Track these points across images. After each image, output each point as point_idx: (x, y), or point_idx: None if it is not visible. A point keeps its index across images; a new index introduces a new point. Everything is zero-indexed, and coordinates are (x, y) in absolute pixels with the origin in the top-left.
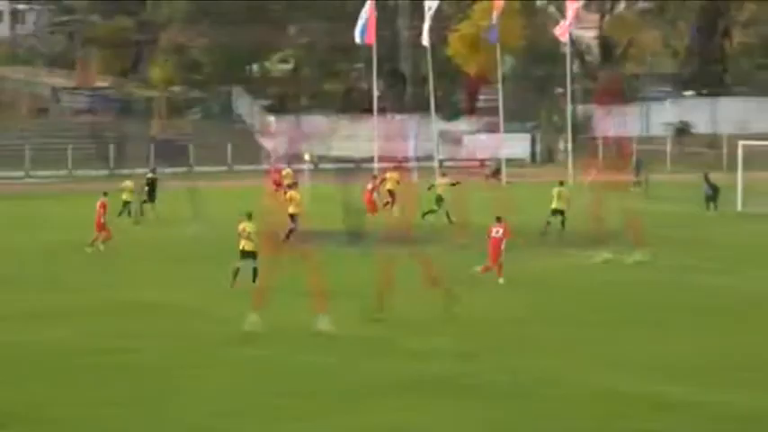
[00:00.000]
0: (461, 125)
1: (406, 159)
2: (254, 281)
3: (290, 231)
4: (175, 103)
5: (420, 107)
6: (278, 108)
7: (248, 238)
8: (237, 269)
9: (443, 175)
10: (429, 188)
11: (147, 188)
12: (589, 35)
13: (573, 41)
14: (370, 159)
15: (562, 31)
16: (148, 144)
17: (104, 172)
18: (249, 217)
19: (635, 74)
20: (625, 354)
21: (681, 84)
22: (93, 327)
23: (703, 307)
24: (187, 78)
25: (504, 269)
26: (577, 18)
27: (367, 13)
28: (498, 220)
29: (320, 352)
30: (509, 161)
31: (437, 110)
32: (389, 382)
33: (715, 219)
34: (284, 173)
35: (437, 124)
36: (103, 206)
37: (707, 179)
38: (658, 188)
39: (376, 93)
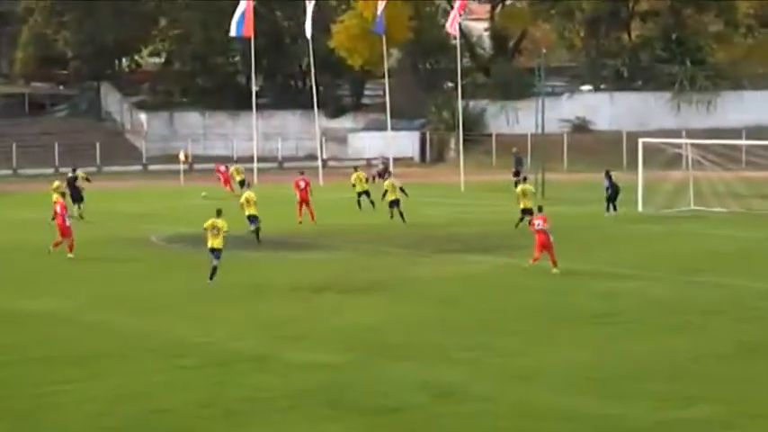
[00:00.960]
0: (346, 122)
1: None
2: (210, 278)
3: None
4: (38, 99)
5: (302, 103)
6: (149, 105)
7: (216, 234)
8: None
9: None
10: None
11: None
12: (480, 27)
13: (463, 33)
14: (250, 158)
15: (450, 23)
16: (11, 144)
17: None
18: (219, 214)
19: (528, 67)
20: (527, 364)
21: (578, 78)
22: None
23: (601, 313)
24: (51, 74)
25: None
26: (467, 9)
27: (245, 3)
28: (540, 210)
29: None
30: (397, 160)
31: (320, 106)
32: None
33: (614, 220)
34: (233, 169)
35: (320, 121)
36: (64, 207)
37: (609, 177)
38: (555, 188)
39: (255, 88)
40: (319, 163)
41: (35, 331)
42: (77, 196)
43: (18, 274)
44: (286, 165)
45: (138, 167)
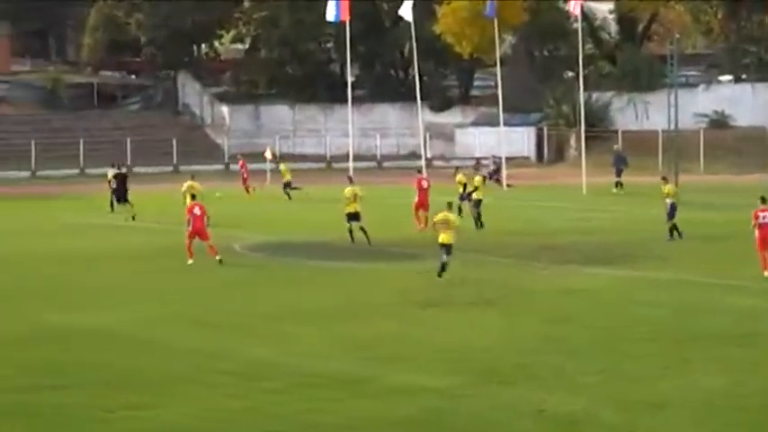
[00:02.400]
0: (453, 117)
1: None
2: (439, 275)
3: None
4: (108, 90)
5: (403, 95)
6: (232, 97)
7: (446, 228)
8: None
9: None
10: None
11: (114, 186)
12: (605, 8)
13: (585, 16)
14: (344, 157)
15: (572, 3)
16: (78, 140)
17: (26, 174)
18: (449, 206)
19: (659, 55)
20: None
21: (715, 67)
22: (22, 358)
23: (740, 333)
24: (122, 62)
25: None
26: None
27: None
28: (763, 201)
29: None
30: (510, 160)
31: (424, 98)
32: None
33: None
34: (283, 168)
35: (424, 115)
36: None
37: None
38: (690, 192)
39: (350, 78)
40: (423, 162)
41: (96, 351)
42: (124, 196)
43: (78, 287)
44: (386, 164)
45: (219, 167)
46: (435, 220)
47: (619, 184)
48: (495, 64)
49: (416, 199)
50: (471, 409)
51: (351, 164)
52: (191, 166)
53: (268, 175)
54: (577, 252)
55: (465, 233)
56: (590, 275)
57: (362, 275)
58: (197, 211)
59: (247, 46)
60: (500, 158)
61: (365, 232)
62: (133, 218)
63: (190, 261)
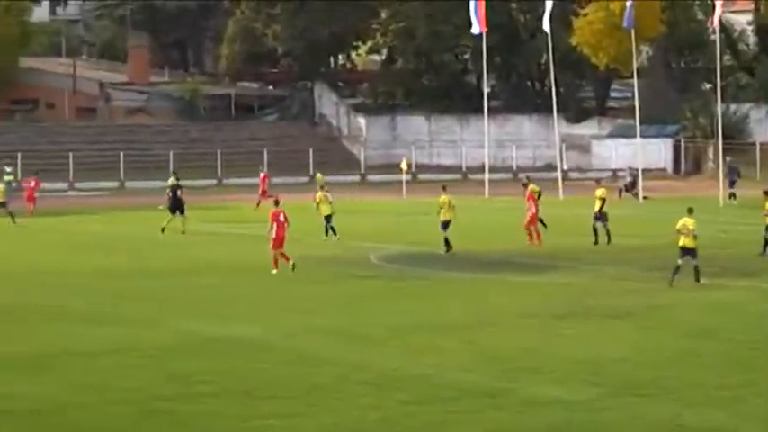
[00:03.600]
0: (589, 128)
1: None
2: (672, 276)
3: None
4: (246, 101)
5: (539, 106)
6: (369, 108)
7: (687, 234)
8: None
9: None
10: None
11: (169, 196)
12: (743, 20)
13: (723, 27)
14: (480, 168)
15: (714, 17)
16: (215, 151)
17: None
18: (690, 212)
19: None
20: None
21: None
22: (166, 367)
23: None
24: (259, 72)
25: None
26: None
27: None
28: None
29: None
30: (647, 172)
31: (560, 110)
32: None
33: None
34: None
35: (560, 127)
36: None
37: None
38: None
39: (486, 89)
40: (559, 174)
41: (236, 360)
42: (178, 207)
43: (221, 297)
44: (521, 176)
45: (356, 178)
46: (677, 227)
47: (732, 196)
48: (632, 75)
49: (532, 212)
50: (607, 421)
51: (486, 175)
52: (327, 176)
53: (404, 187)
54: (716, 264)
55: (602, 246)
56: (730, 288)
57: (498, 286)
58: (282, 218)
59: (384, 57)
60: (636, 170)
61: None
62: (182, 232)
63: (274, 271)
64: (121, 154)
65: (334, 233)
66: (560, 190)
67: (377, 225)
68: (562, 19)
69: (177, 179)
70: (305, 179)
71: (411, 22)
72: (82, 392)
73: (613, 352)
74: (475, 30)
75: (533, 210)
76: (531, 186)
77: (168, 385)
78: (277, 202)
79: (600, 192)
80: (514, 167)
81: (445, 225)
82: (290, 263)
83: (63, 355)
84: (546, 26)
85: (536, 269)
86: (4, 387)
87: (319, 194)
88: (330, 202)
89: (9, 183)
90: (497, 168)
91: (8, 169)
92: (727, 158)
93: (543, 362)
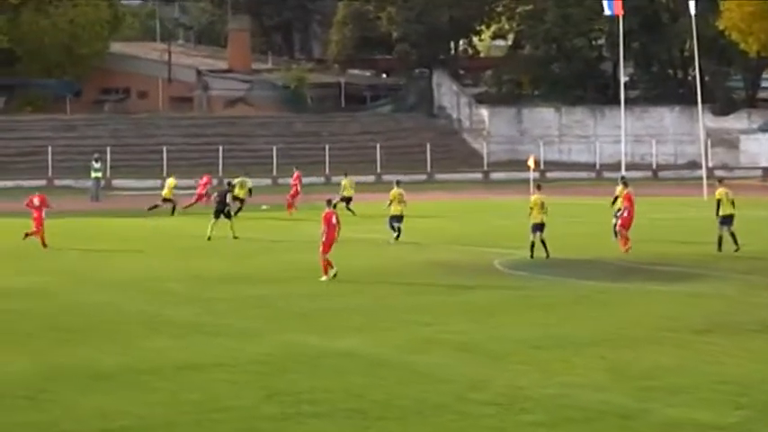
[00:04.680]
0: (738, 122)
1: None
2: None
3: None
4: (357, 91)
5: (682, 97)
6: (493, 98)
7: None
8: None
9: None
10: None
11: (218, 199)
12: None
13: None
14: (616, 166)
15: None
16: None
17: (266, 181)
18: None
19: None
20: None
21: None
22: (275, 383)
23: None
24: (372, 60)
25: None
26: None
27: None
28: None
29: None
30: None
31: (705, 101)
32: None
33: None
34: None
35: (705, 120)
36: None
37: None
38: None
39: (623, 78)
40: (703, 172)
41: (346, 377)
42: (227, 211)
43: (322, 307)
44: (661, 174)
45: (478, 175)
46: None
47: None
48: None
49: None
50: None
51: (623, 173)
52: (446, 173)
53: (531, 185)
54: None
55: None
56: None
57: (630, 297)
58: (334, 220)
59: (510, 43)
60: None
61: (544, 245)
62: (234, 237)
63: (324, 278)
64: (220, 148)
65: (398, 234)
66: (704, 190)
67: (502, 228)
68: (708, 1)
69: (230, 184)
70: (422, 177)
71: (540, 3)
72: (184, 409)
73: (762, 371)
74: (609, 12)
75: (630, 212)
76: (719, 191)
77: (272, 404)
78: (329, 202)
79: (718, 192)
80: (654, 165)
81: (537, 228)
82: (333, 271)
83: (164, 369)
84: (691, 8)
85: (676, 278)
86: (104, 402)
87: (395, 191)
88: (404, 202)
89: (97, 180)
90: (635, 166)
91: (96, 165)
92: None
93: (683, 381)
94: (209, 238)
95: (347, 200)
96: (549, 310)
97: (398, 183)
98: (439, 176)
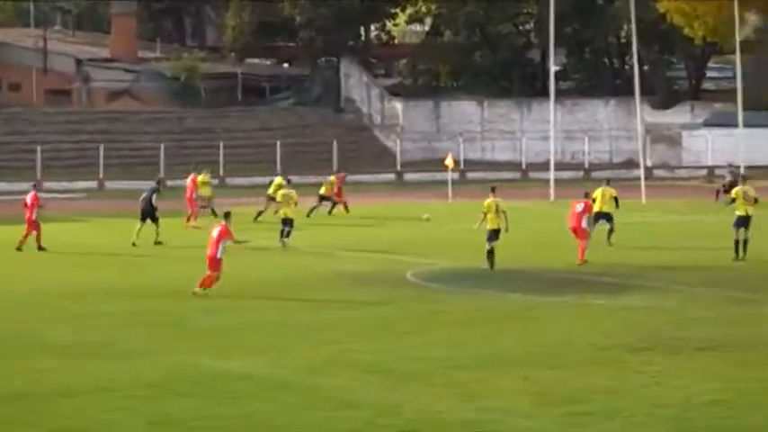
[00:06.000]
0: (680, 116)
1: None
2: None
3: None
4: (255, 82)
5: (618, 89)
6: (407, 90)
7: None
8: None
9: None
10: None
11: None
12: None
13: None
14: (544, 165)
15: None
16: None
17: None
18: None
19: None
20: None
21: None
22: (162, 409)
23: None
24: (272, 48)
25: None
26: None
27: None
28: None
29: None
30: (751, 170)
31: (644, 93)
32: None
33: None
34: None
35: (644, 114)
36: None
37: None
38: None
39: (553, 67)
40: (641, 172)
41: (243, 402)
42: (150, 214)
43: (221, 324)
44: (595, 174)
45: (390, 176)
46: None
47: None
48: (735, 51)
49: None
50: None
51: (552, 173)
52: (355, 174)
53: (449, 188)
54: None
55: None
56: None
57: (560, 312)
58: (215, 234)
59: (427, 28)
60: (738, 168)
61: (493, 255)
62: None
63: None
64: (101, 147)
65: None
66: (643, 191)
67: (415, 235)
68: None
69: (159, 182)
70: (328, 178)
71: None
72: None
73: (705, 393)
74: None
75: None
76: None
77: None
78: (227, 216)
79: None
80: (587, 164)
81: (492, 235)
82: (204, 289)
83: (35, 396)
84: None
85: (613, 290)
86: None
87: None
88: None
89: None
90: (565, 165)
91: None
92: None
93: (617, 405)
94: (133, 244)
95: (324, 199)
96: (468, 327)
97: (289, 182)
98: (347, 177)
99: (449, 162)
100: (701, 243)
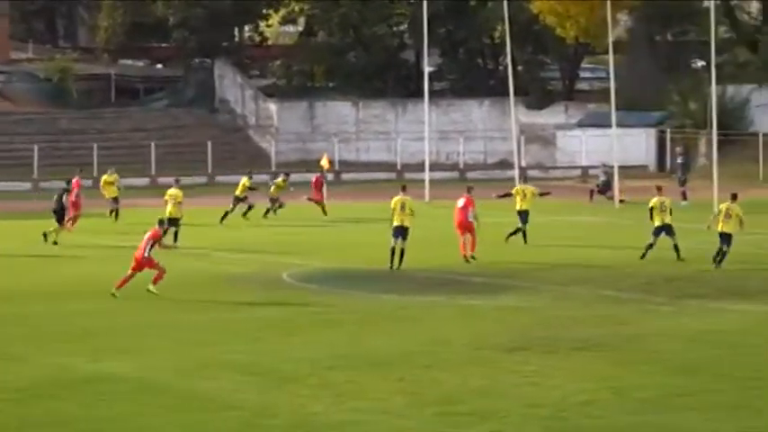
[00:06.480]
0: (554, 116)
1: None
2: None
3: None
4: (129, 83)
5: (493, 89)
6: (282, 91)
7: None
8: None
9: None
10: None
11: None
12: None
13: None
14: (419, 166)
15: None
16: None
17: (26, 185)
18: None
19: None
20: None
21: None
22: (32, 412)
23: None
24: (146, 48)
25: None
26: None
27: None
28: None
29: None
30: (625, 169)
31: (518, 93)
32: None
33: None
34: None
35: (518, 114)
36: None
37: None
38: None
39: (427, 68)
40: (516, 172)
41: (114, 404)
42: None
43: (97, 326)
44: (470, 174)
45: (265, 177)
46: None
47: (684, 196)
48: (608, 51)
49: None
50: None
51: (426, 174)
52: (230, 175)
53: (324, 188)
54: (707, 284)
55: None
56: (724, 313)
57: (435, 312)
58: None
59: (301, 29)
60: (612, 168)
61: (402, 256)
62: (54, 242)
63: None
64: None
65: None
66: None
67: (291, 236)
68: None
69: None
70: (202, 179)
71: None
72: None
73: (580, 393)
74: None
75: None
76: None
77: None
78: (161, 222)
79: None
80: (461, 164)
81: (396, 232)
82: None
83: None
84: None
85: (486, 290)
86: None
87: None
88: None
89: None
90: (440, 166)
91: None
92: (678, 149)
93: (491, 405)
94: (54, 243)
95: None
96: (344, 328)
97: (177, 181)
98: (221, 179)
99: (324, 163)
100: (574, 242)
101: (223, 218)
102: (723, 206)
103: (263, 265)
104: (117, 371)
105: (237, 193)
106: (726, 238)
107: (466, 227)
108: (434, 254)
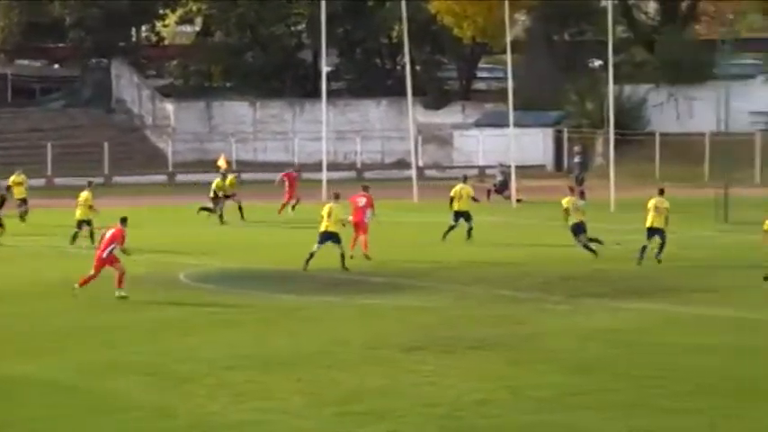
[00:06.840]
0: (451, 116)
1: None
2: None
3: None
4: (25, 83)
5: (390, 89)
6: (179, 91)
7: None
8: None
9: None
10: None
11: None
12: None
13: None
14: (316, 166)
15: None
16: None
17: None
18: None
19: (708, 40)
20: None
21: None
22: None
23: None
24: (42, 48)
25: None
26: None
27: None
28: None
29: None
30: (522, 169)
31: (415, 93)
32: None
33: None
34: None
35: (416, 114)
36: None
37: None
38: (741, 208)
39: (325, 68)
40: (413, 172)
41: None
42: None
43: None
44: (367, 174)
45: (162, 177)
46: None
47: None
48: (505, 51)
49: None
50: None
51: (324, 174)
52: (126, 176)
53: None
54: (604, 283)
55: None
56: (620, 312)
57: (333, 312)
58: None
59: (198, 29)
60: (509, 167)
61: (343, 258)
62: None
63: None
64: None
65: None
66: (415, 191)
67: (187, 236)
68: None
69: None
70: (98, 180)
71: None
72: None
73: (477, 392)
74: None
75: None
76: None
77: None
78: (124, 221)
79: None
80: (359, 164)
81: (322, 238)
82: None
83: None
84: None
85: (385, 289)
86: None
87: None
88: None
89: None
90: (338, 165)
91: None
92: (576, 148)
93: (389, 404)
94: None
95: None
96: (242, 328)
97: (90, 183)
98: (118, 179)
99: (221, 163)
100: (472, 242)
101: (221, 218)
102: (651, 202)
103: (159, 266)
104: (21, 373)
105: (220, 193)
106: (655, 232)
107: (361, 226)
108: (333, 254)
